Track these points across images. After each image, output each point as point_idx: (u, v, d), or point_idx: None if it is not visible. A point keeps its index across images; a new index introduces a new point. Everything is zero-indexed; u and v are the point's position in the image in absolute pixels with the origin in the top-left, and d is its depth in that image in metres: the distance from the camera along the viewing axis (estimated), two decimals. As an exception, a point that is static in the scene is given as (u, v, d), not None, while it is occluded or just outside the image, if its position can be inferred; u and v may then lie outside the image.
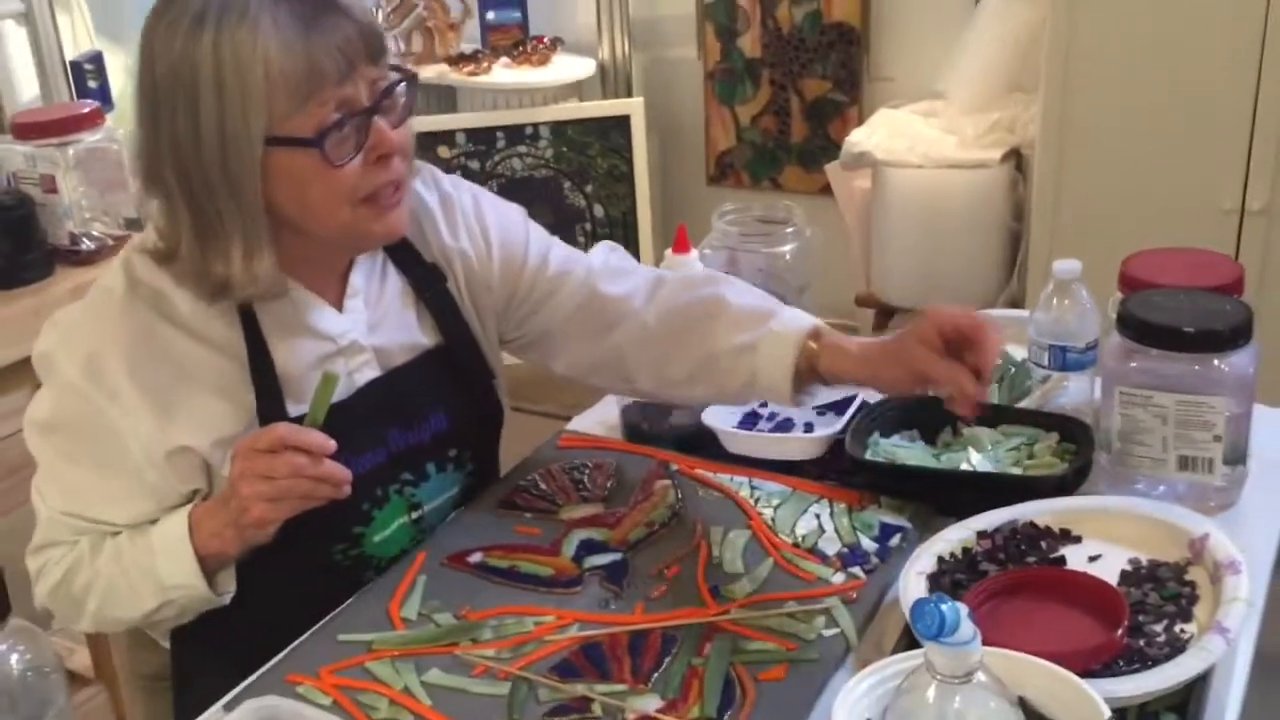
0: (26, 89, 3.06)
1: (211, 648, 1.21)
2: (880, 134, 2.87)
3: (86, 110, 1.72)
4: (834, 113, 3.17)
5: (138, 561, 1.13)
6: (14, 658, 0.77)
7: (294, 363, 1.15)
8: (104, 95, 3.01)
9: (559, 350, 1.32)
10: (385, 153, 1.07)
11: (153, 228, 1.13)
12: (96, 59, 2.98)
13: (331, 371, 1.09)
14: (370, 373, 1.20)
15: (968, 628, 0.70)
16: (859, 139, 2.86)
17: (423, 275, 1.24)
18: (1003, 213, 2.78)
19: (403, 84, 1.09)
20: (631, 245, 3.32)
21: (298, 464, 1.04)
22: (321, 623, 1.13)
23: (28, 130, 1.68)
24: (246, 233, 1.06)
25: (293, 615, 1.14)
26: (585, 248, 3.47)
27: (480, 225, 1.29)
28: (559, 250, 1.33)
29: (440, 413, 1.23)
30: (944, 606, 0.67)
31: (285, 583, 1.16)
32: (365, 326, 1.20)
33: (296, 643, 1.11)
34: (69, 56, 2.99)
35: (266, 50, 1.00)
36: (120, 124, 3.19)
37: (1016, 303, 2.75)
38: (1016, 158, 2.78)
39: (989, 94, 2.82)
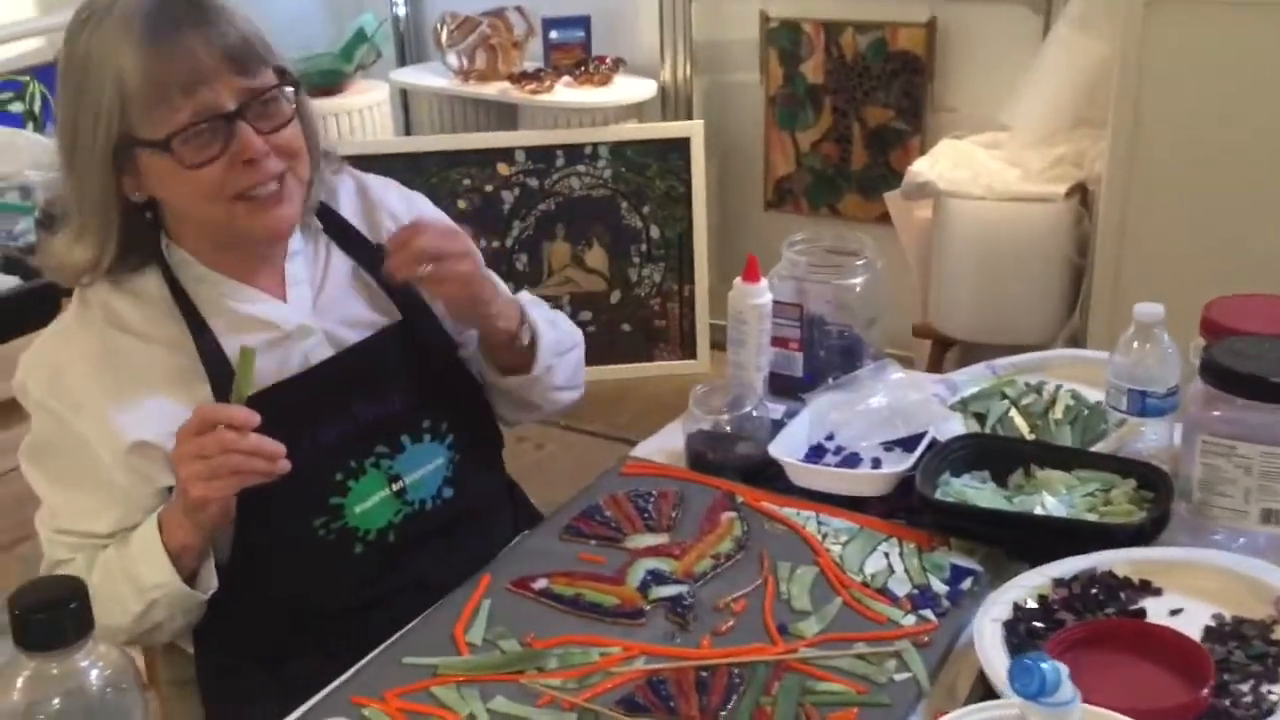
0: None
1: (230, 645, 1.26)
2: (943, 164, 2.84)
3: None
4: (896, 141, 3.15)
5: (122, 568, 1.17)
6: (94, 674, 0.77)
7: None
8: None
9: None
10: (250, 158, 1.12)
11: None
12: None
13: (248, 346, 1.14)
14: (325, 351, 1.24)
15: (1068, 688, 0.68)
16: (921, 169, 2.83)
17: (371, 255, 1.29)
18: (1066, 248, 2.75)
19: (281, 90, 1.15)
20: (687, 267, 3.32)
21: (225, 439, 1.08)
22: (386, 644, 1.13)
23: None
24: (85, 224, 1.15)
25: (296, 600, 1.21)
26: (640, 269, 3.46)
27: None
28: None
29: (405, 384, 1.26)
30: (1045, 665, 0.65)
31: (276, 565, 1.20)
32: (311, 311, 1.25)
33: (361, 663, 1.11)
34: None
35: (120, 60, 1.08)
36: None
37: (1077, 339, 2.71)
38: (1082, 193, 2.74)
39: (1055, 127, 2.79)
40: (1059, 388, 1.50)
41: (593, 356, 3.65)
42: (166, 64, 1.08)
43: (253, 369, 1.12)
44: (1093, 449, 1.36)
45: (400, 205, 1.37)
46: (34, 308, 1.53)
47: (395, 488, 1.25)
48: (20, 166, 1.82)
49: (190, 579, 1.16)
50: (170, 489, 1.17)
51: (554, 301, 3.34)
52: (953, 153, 2.90)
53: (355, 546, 1.23)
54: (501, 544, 1.31)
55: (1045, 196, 2.71)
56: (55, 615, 0.74)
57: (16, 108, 2.85)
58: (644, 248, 3.32)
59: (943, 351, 2.97)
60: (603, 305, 3.35)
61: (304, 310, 1.24)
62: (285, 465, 1.11)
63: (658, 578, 1.20)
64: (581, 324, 3.30)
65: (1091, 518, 1.23)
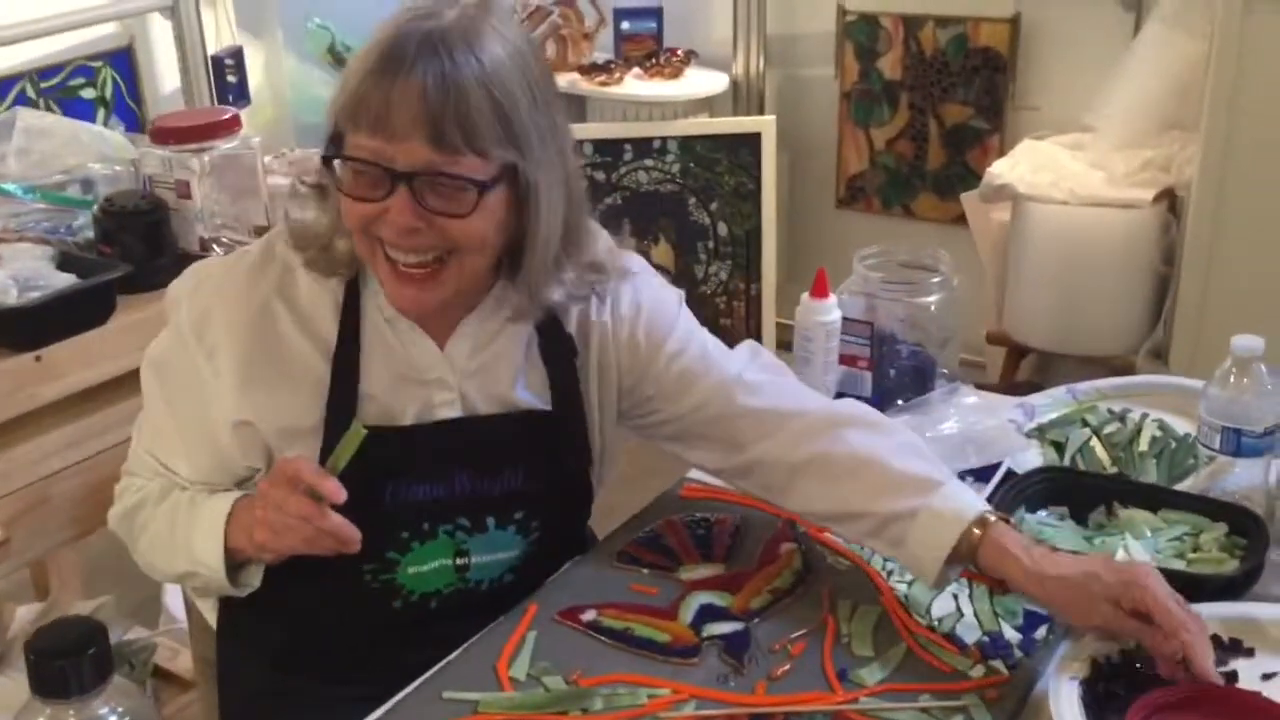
0: (168, 81, 3.11)
1: (252, 641, 1.26)
2: (1023, 166, 2.74)
3: (224, 117, 1.71)
4: (974, 140, 3.05)
5: (184, 528, 1.16)
6: (112, 719, 0.73)
7: (378, 380, 1.15)
8: (242, 90, 3.04)
9: (690, 448, 1.25)
10: (394, 223, 1.05)
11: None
12: (237, 54, 3.02)
13: (358, 425, 1.06)
14: (450, 412, 1.17)
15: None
16: (1000, 170, 2.74)
17: (557, 343, 1.20)
18: (1151, 257, 2.63)
19: (474, 186, 1.04)
20: (754, 265, 3.25)
21: (306, 511, 1.04)
22: (425, 676, 1.09)
23: (166, 135, 1.68)
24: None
25: (324, 624, 1.19)
26: (707, 266, 3.38)
27: (632, 300, 1.23)
28: (704, 344, 1.25)
29: (518, 472, 1.18)
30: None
31: (315, 591, 1.17)
32: (460, 370, 1.17)
33: (400, 696, 1.07)
34: (210, 50, 3.03)
35: (353, 68, 1.05)
36: (257, 118, 3.23)
37: (1160, 353, 2.60)
38: (1170, 199, 2.63)
39: (1143, 129, 2.67)
40: (1144, 416, 1.42)
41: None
42: (371, 96, 1.03)
43: (355, 449, 1.05)
44: (1180, 486, 1.28)
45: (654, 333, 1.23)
46: (89, 306, 1.51)
47: (459, 562, 1.19)
48: (84, 160, 1.81)
49: (237, 568, 1.15)
50: (258, 471, 1.17)
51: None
52: (1034, 154, 2.80)
53: (395, 601, 1.18)
54: None
55: (1131, 202, 2.60)
56: (74, 662, 0.71)
57: (88, 94, 2.86)
58: (711, 244, 3.26)
59: (1017, 360, 2.87)
60: (668, 302, 3.29)
61: (452, 366, 1.17)
62: (355, 548, 1.06)
63: (712, 613, 1.15)
64: (646, 321, 3.28)
65: (1179, 565, 1.15)
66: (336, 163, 1.07)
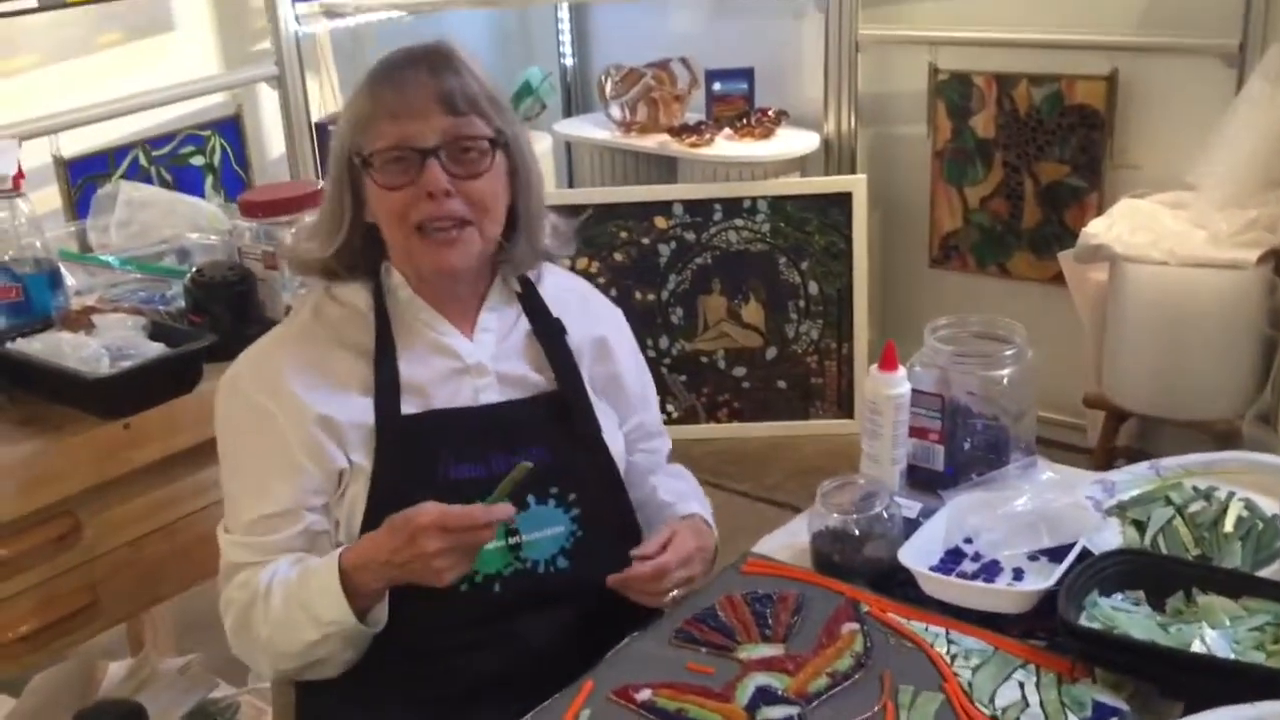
0: (274, 148, 3.23)
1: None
2: (1121, 225, 2.67)
3: (309, 190, 1.76)
4: (1071, 199, 2.99)
5: (301, 600, 1.21)
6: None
7: (422, 373, 1.31)
8: (343, 156, 3.14)
9: None
10: (430, 190, 1.23)
11: None
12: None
13: (526, 463, 1.20)
14: (494, 395, 1.33)
15: None
16: (1097, 230, 2.67)
17: (547, 325, 1.38)
18: (1256, 319, 2.54)
19: (490, 145, 1.26)
20: (846, 324, 3.23)
21: (483, 539, 1.18)
22: (479, 753, 1.09)
23: (254, 209, 1.74)
24: (321, 223, 1.32)
25: (393, 629, 1.24)
26: (798, 325, 3.35)
27: (614, 345, 1.44)
28: (652, 417, 1.49)
29: (542, 447, 1.31)
30: None
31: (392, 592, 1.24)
32: (491, 356, 1.34)
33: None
34: (315, 118, 3.14)
35: (363, 86, 1.27)
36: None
37: (1268, 419, 2.50)
38: (1276, 260, 2.54)
39: (1247, 188, 2.58)
40: (1231, 495, 1.36)
41: (746, 414, 3.53)
42: (386, 93, 1.24)
43: (519, 481, 1.20)
44: (1265, 571, 1.22)
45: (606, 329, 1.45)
46: (176, 375, 1.56)
47: (511, 541, 1.29)
48: (180, 230, 1.89)
49: (362, 614, 1.22)
50: (341, 473, 1.26)
51: (709, 356, 3.30)
52: (1132, 213, 2.73)
53: (461, 584, 1.24)
54: (610, 627, 1.29)
55: (1234, 263, 2.51)
56: (113, 743, 0.73)
57: (198, 161, 2.99)
58: (802, 303, 3.25)
59: (1117, 425, 2.78)
60: (758, 361, 3.28)
61: (485, 353, 1.34)
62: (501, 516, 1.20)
63: (768, 696, 1.13)
64: (736, 380, 3.28)
65: (1257, 657, 1.10)
66: (372, 165, 1.24)
